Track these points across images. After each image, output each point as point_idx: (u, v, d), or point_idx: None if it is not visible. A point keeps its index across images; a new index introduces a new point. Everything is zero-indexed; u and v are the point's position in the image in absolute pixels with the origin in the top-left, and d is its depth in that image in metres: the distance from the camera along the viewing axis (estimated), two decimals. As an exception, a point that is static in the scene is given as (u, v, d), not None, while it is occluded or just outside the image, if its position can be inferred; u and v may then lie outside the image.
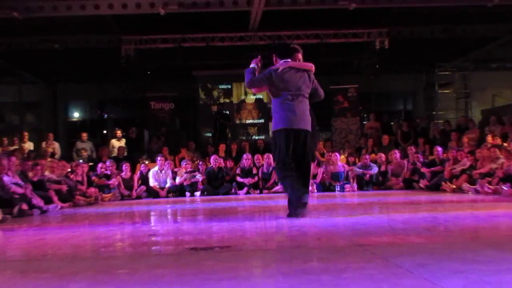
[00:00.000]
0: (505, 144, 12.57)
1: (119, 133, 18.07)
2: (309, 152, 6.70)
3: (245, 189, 14.76)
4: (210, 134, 20.36)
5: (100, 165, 14.70)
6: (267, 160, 15.02)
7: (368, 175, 14.76)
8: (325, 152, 16.17)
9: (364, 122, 20.89)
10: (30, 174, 11.03)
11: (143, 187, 14.76)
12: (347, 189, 14.34)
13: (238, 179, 14.99)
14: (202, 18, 16.14)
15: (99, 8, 14.96)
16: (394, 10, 16.57)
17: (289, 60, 6.76)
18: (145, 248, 4.58)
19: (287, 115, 6.59)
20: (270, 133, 20.92)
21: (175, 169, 15.34)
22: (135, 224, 7.44)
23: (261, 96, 21.27)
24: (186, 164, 15.15)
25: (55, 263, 3.91)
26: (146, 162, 15.84)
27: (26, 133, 17.85)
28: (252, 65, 6.82)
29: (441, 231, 5.10)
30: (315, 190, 13.93)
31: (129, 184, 14.70)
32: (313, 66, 6.84)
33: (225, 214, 8.09)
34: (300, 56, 6.86)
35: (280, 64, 6.73)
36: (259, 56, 6.93)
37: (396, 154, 15.25)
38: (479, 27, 18.19)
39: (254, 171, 15.06)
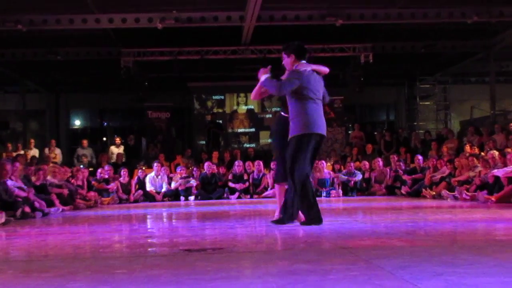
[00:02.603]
0: (482, 154, 12.62)
1: (118, 140, 18.10)
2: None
3: (237, 194, 14.75)
4: (204, 142, 20.32)
5: (99, 170, 14.71)
6: (258, 166, 15.06)
7: (352, 182, 14.78)
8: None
9: (349, 132, 20.95)
10: (33, 178, 10.99)
11: (140, 192, 14.76)
12: (333, 195, 14.36)
13: (230, 184, 14.98)
14: (197, 32, 16.13)
15: (100, 22, 14.93)
16: (378, 27, 16.63)
17: (305, 61, 6.20)
18: (141, 250, 4.57)
19: (315, 119, 5.95)
20: (261, 141, 20.90)
21: (171, 175, 15.35)
22: (133, 226, 7.42)
23: (252, 106, 21.27)
24: (181, 170, 15.14)
25: (56, 263, 3.90)
26: (143, 168, 15.81)
27: (32, 140, 17.95)
28: (265, 76, 6.05)
29: (421, 235, 5.11)
30: None
31: (127, 188, 14.70)
32: (328, 70, 6.27)
33: (217, 218, 8.08)
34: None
35: (303, 65, 6.12)
36: (270, 66, 6.18)
37: (379, 162, 15.30)
38: (458, 43, 18.27)
39: (245, 177, 15.06)
